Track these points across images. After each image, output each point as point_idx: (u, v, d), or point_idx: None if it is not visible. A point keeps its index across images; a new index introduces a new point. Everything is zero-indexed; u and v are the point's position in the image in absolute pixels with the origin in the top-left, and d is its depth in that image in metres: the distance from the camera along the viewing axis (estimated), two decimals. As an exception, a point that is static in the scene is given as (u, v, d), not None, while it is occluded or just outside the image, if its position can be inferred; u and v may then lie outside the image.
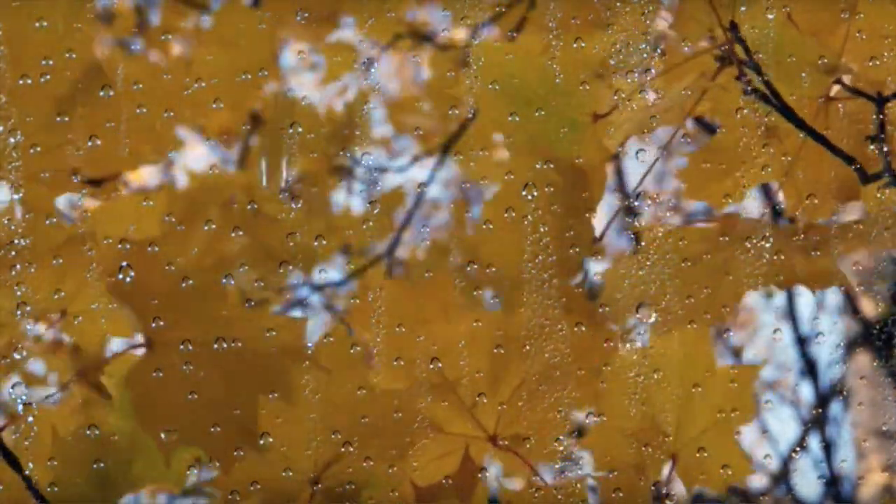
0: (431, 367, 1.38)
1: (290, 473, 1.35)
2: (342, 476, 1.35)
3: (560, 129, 1.37)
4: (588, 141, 1.37)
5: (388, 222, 2.86)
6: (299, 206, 2.01)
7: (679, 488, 1.43)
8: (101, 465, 1.38)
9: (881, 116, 1.34)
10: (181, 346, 1.33)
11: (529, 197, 1.36)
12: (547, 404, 1.38)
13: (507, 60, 1.38)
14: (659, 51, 1.36)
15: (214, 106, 1.41)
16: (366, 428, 1.35)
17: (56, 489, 1.33)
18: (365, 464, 1.35)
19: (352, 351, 1.38)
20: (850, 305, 3.32)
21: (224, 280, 1.35)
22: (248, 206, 1.40)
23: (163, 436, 1.34)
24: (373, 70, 2.49)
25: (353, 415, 1.36)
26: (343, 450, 1.36)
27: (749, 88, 1.31)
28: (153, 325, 1.33)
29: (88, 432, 1.36)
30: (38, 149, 1.29)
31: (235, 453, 1.34)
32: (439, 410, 1.38)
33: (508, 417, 1.39)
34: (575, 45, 1.36)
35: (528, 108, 1.38)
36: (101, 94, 1.31)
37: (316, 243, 1.56)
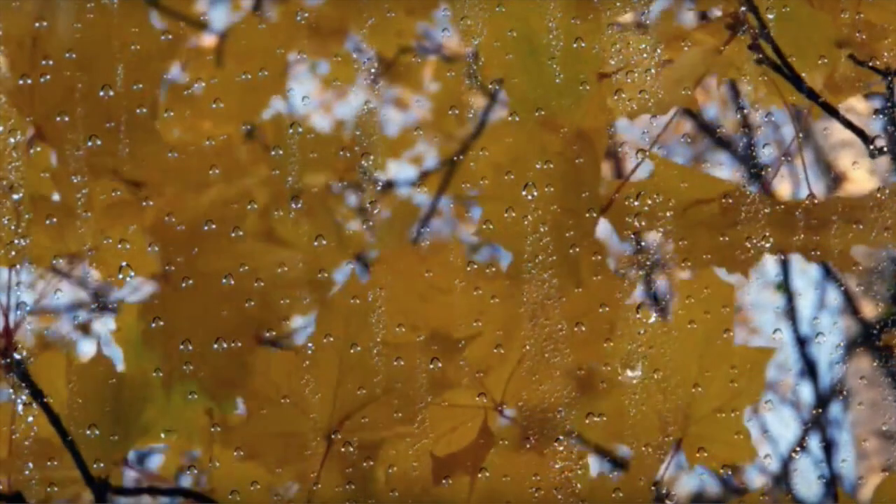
0: (431, 367, 1.38)
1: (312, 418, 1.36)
2: (359, 432, 1.37)
3: (563, 86, 1.37)
4: (591, 102, 1.36)
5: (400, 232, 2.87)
6: (300, 206, 2.01)
7: (679, 488, 1.43)
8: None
9: (890, 90, 1.33)
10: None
11: (529, 197, 1.36)
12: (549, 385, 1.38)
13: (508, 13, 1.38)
14: (659, 52, 1.36)
15: (214, 105, 1.41)
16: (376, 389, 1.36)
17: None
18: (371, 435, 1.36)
19: (352, 351, 1.38)
20: (850, 305, 3.32)
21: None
22: (248, 207, 1.40)
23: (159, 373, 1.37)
24: (378, 82, 2.49)
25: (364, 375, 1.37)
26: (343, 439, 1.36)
27: (760, 57, 1.31)
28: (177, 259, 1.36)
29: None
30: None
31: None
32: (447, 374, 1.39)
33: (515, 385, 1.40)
34: (575, 45, 1.36)
35: (533, 58, 1.38)
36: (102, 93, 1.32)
37: (316, 243, 1.55)
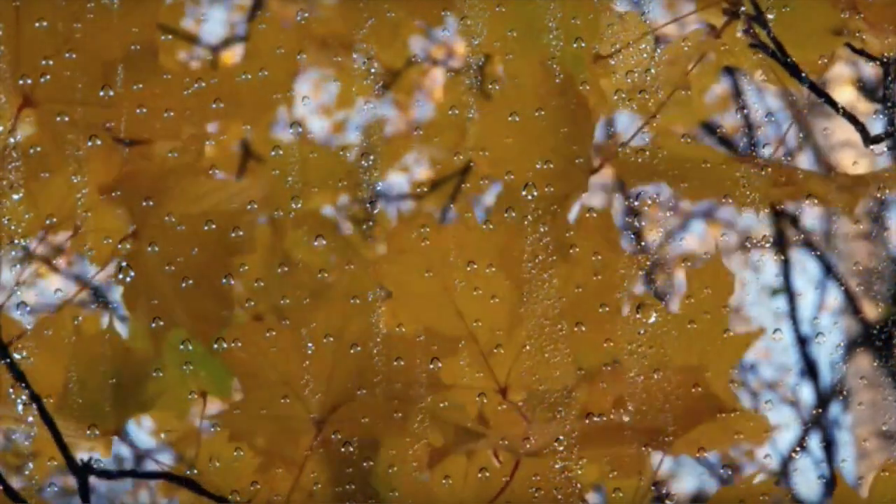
0: (431, 367, 1.38)
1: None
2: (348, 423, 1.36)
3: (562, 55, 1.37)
4: (588, 81, 1.36)
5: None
6: (299, 206, 2.01)
7: (679, 488, 1.42)
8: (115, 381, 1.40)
9: (888, 79, 1.32)
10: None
11: (529, 197, 1.36)
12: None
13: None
14: (659, 51, 1.36)
15: (214, 106, 1.41)
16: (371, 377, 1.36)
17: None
18: (364, 420, 1.35)
19: (352, 351, 1.38)
20: (850, 305, 3.32)
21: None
22: (248, 206, 1.40)
23: (153, 324, 1.36)
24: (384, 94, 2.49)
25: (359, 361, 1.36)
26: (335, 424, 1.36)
27: (755, 43, 1.30)
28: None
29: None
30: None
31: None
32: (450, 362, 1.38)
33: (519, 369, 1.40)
34: (575, 45, 1.37)
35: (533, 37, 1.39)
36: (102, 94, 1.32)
37: (316, 243, 1.55)
